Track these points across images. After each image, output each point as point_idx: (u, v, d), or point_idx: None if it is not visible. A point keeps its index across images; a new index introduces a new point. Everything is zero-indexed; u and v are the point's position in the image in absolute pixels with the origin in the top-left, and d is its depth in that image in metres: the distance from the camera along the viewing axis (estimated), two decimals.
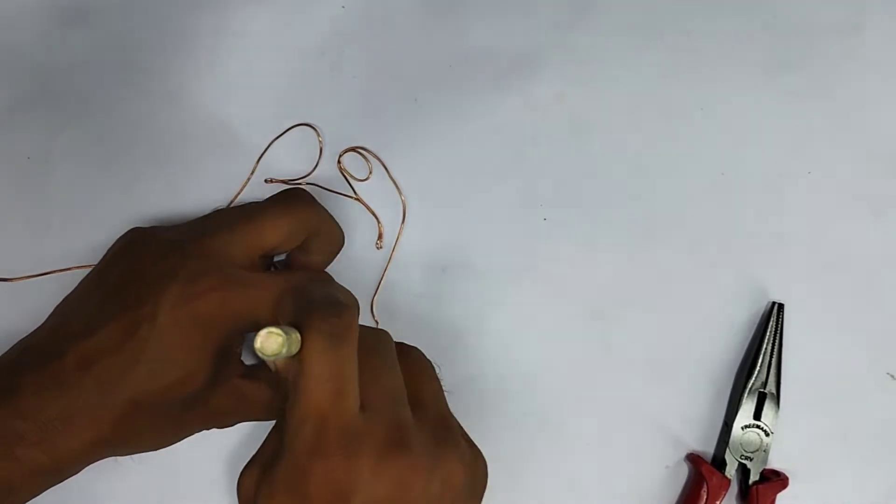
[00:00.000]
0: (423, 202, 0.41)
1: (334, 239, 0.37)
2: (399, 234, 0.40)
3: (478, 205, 0.41)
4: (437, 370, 0.32)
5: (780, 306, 0.39)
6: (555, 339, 0.40)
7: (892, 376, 0.39)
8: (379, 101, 0.42)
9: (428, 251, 0.40)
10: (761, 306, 0.40)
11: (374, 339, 0.30)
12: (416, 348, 0.32)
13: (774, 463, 0.39)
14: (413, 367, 0.31)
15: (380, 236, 0.40)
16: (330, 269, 0.38)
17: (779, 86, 0.41)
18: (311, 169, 0.41)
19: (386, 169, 0.41)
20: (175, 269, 0.32)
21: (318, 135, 0.40)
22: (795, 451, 0.39)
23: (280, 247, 0.34)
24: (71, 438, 0.30)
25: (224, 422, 0.36)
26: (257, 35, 0.42)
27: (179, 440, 0.35)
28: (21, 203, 0.41)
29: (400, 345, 0.32)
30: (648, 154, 0.41)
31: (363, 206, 0.40)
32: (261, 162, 0.41)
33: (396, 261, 0.41)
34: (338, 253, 0.38)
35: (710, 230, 0.40)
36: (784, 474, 0.38)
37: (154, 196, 0.41)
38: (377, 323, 0.40)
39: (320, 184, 0.41)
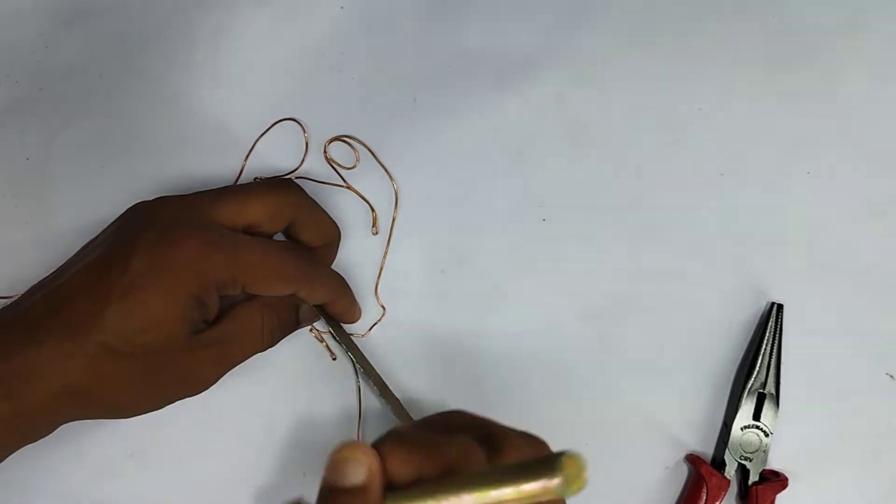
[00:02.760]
0: (422, 202, 0.41)
1: (323, 227, 0.37)
2: (394, 217, 0.40)
3: (477, 205, 0.41)
4: None
5: (780, 307, 0.39)
6: (554, 338, 0.40)
7: (892, 376, 0.39)
8: (378, 101, 0.42)
9: (427, 252, 0.40)
10: (761, 307, 0.40)
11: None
12: None
13: (774, 463, 0.39)
14: None
15: (374, 221, 0.40)
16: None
17: (778, 87, 0.41)
18: (299, 163, 0.41)
19: (373, 154, 0.41)
20: (155, 218, 0.32)
21: (304, 129, 0.41)
22: (795, 452, 0.39)
23: (262, 225, 0.35)
24: (37, 387, 0.29)
25: (198, 381, 0.34)
26: (257, 36, 0.42)
27: (151, 406, 0.33)
28: (21, 203, 0.41)
29: None
30: (648, 155, 0.41)
31: (355, 195, 0.40)
32: (252, 159, 0.41)
33: (395, 259, 0.41)
34: (335, 244, 0.38)
35: (710, 231, 0.40)
36: (783, 475, 0.38)
37: (154, 196, 0.41)
38: (383, 309, 0.40)
39: (310, 177, 0.41)
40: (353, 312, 0.39)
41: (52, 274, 0.33)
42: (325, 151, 0.40)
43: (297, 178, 0.41)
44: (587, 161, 0.41)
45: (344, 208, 0.40)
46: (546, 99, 0.42)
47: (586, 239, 0.40)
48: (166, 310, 0.31)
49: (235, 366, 0.35)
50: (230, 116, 0.42)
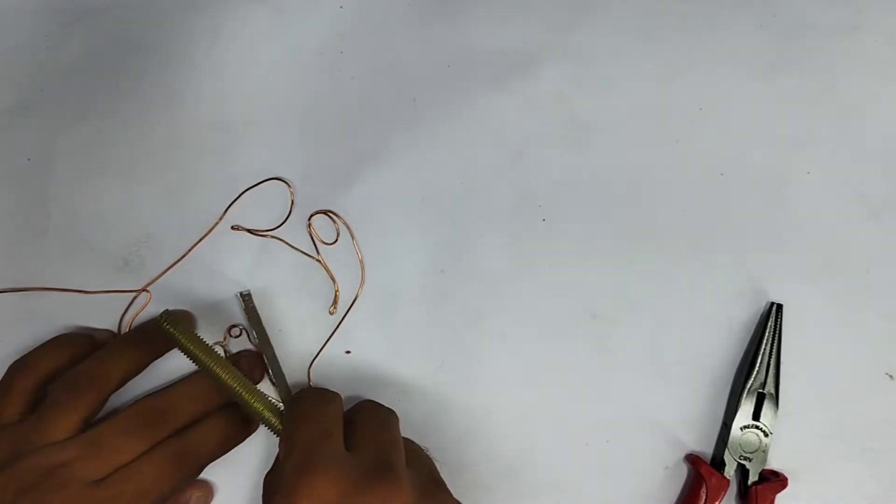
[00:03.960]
0: (422, 202, 0.41)
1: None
2: (355, 299, 0.40)
3: (477, 205, 0.41)
4: (426, 450, 0.35)
5: (779, 307, 0.39)
6: (554, 339, 0.40)
7: (891, 376, 0.39)
8: (377, 101, 0.42)
9: (427, 252, 0.41)
10: (760, 307, 0.40)
11: (375, 411, 0.35)
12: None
13: (773, 463, 0.39)
14: (409, 446, 0.34)
15: (335, 301, 0.39)
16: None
17: (778, 86, 0.41)
18: (281, 223, 0.40)
19: (351, 234, 0.40)
20: None
21: (290, 187, 0.40)
22: (794, 452, 0.39)
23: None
24: None
25: None
26: (255, 36, 0.42)
27: None
28: (21, 204, 0.41)
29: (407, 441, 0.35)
30: (647, 154, 0.41)
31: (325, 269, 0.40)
32: (237, 213, 0.41)
33: (395, 259, 0.41)
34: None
35: (710, 230, 0.40)
36: (783, 474, 0.38)
37: (154, 196, 0.41)
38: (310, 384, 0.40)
39: (286, 239, 0.40)
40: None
41: None
42: (308, 225, 0.40)
43: (272, 237, 0.40)
44: (587, 161, 0.41)
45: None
46: (546, 98, 0.42)
47: (586, 239, 0.40)
48: None
49: None
50: (229, 116, 0.42)
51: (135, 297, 0.40)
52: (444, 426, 0.39)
